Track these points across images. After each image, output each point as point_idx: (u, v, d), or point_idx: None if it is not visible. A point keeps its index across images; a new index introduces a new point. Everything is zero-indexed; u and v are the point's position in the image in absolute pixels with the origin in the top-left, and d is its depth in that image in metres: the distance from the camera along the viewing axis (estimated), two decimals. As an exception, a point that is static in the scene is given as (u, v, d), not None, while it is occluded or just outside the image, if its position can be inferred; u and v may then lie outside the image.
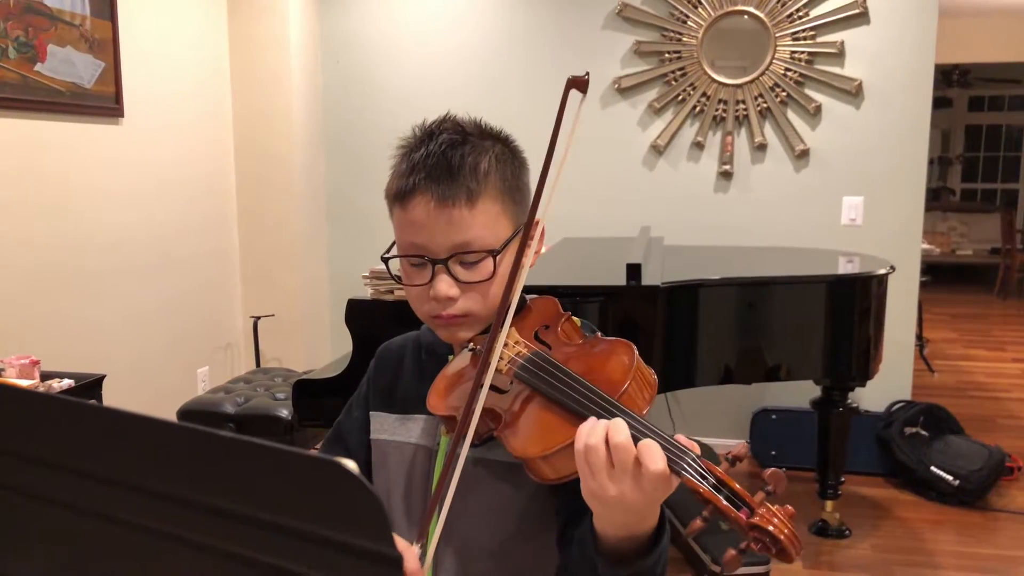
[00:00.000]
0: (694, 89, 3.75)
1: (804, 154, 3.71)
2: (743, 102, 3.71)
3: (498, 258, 0.97)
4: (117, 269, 3.32)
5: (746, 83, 3.69)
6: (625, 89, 3.82)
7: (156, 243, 3.54)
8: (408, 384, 1.10)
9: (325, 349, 4.27)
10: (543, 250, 1.05)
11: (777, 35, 3.64)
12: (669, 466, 0.75)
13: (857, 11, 3.56)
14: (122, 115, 3.30)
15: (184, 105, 3.69)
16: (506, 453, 0.88)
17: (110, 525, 0.53)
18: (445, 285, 0.96)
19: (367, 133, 4.14)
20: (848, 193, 3.70)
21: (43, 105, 2.94)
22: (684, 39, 3.73)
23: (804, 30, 3.62)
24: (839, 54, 3.60)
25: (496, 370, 0.91)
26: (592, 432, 0.78)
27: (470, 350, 1.00)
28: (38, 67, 2.90)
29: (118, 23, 3.25)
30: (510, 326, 0.94)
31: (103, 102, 3.20)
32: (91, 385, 2.63)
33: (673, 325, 2.43)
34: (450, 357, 1.05)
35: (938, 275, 8.10)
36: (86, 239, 3.17)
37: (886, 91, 3.61)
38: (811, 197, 3.73)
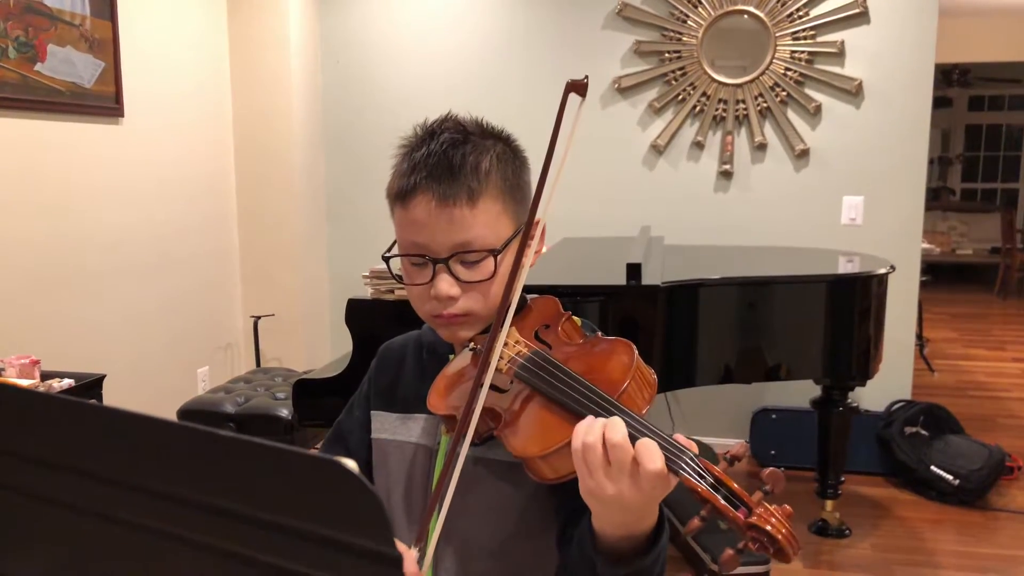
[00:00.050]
0: (694, 89, 3.75)
1: (804, 154, 3.71)
2: (743, 102, 3.71)
3: (499, 257, 0.97)
4: (117, 269, 3.32)
5: (746, 83, 3.69)
6: (625, 89, 3.82)
7: (156, 243, 3.54)
8: (409, 383, 1.10)
9: (325, 349, 4.27)
10: (544, 249, 1.05)
11: (777, 35, 3.64)
12: (667, 465, 0.75)
13: (857, 11, 3.56)
14: (122, 115, 3.30)
15: (184, 105, 3.69)
16: (506, 452, 0.88)
17: (110, 525, 0.53)
18: (446, 284, 0.96)
19: (367, 133, 4.14)
20: (848, 193, 3.70)
21: (43, 105, 2.94)
22: (684, 39, 3.73)
23: (804, 30, 3.62)
24: (839, 54, 3.60)
25: (496, 369, 0.91)
26: (589, 431, 0.78)
27: (471, 349, 1.00)
28: (38, 67, 2.90)
29: (118, 23, 3.25)
30: (510, 325, 0.94)
31: (103, 102, 3.20)
32: (91, 385, 2.63)
33: (673, 325, 2.43)
34: (451, 356, 1.05)
35: (938, 275, 8.11)
36: (86, 239, 3.17)
37: (886, 91, 3.61)
38: (811, 197, 3.73)
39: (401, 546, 0.80)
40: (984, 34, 6.61)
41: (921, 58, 3.57)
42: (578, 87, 0.93)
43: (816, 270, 2.90)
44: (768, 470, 0.74)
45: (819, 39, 3.62)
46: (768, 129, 3.73)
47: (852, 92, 3.62)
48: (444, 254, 0.96)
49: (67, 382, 2.53)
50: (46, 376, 2.55)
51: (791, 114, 3.69)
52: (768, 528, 0.71)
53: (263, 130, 4.00)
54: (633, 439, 0.77)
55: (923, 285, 3.93)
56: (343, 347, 3.07)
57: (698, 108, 3.76)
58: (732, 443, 0.80)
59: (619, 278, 2.36)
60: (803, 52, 3.63)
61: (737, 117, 3.73)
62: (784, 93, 3.67)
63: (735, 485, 0.75)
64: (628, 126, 3.86)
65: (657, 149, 3.84)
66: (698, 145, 3.80)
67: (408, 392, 1.09)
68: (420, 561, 0.87)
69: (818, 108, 3.66)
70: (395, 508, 1.06)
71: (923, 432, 3.52)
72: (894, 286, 2.98)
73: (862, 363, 2.81)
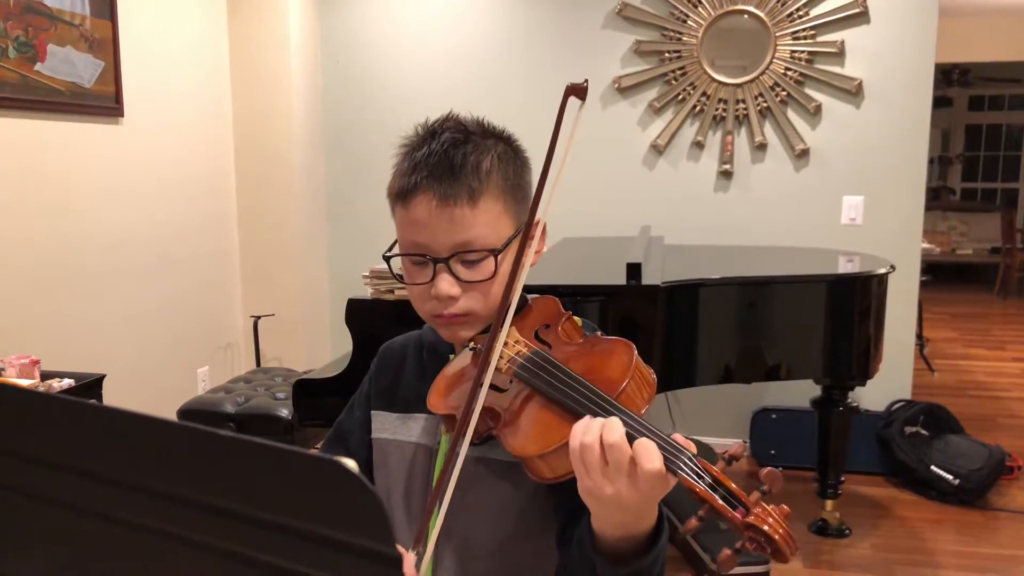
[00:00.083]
0: (694, 88, 3.75)
1: (804, 153, 3.71)
2: (743, 101, 3.71)
3: (499, 257, 0.97)
4: (117, 269, 3.32)
5: (746, 82, 3.69)
6: (625, 88, 3.82)
7: (156, 243, 3.54)
8: (409, 383, 1.10)
9: (325, 349, 4.27)
10: (544, 249, 1.05)
11: (777, 34, 3.64)
12: (665, 465, 0.75)
13: (857, 10, 3.56)
14: (122, 115, 3.30)
15: (184, 105, 3.69)
16: (506, 452, 0.88)
17: (110, 525, 0.53)
18: (446, 284, 0.96)
19: (367, 133, 4.14)
20: (848, 192, 3.70)
21: (43, 105, 2.94)
22: (684, 38, 3.73)
23: (804, 29, 3.62)
24: (839, 53, 3.60)
25: (496, 369, 0.91)
26: (587, 431, 0.78)
27: (471, 349, 1.00)
28: (38, 67, 2.90)
29: (118, 23, 3.25)
30: (510, 325, 0.94)
31: (103, 102, 3.20)
32: (91, 385, 2.63)
33: (673, 324, 2.43)
34: (451, 356, 1.05)
35: (938, 274, 8.10)
36: (86, 239, 3.17)
37: (886, 90, 3.61)
38: (811, 197, 3.73)
39: (399, 549, 0.80)
40: (984, 34, 6.60)
41: (921, 58, 3.57)
42: (578, 91, 0.92)
43: (816, 270, 2.90)
44: (766, 470, 0.74)
45: (819, 39, 3.61)
46: (768, 129, 3.73)
47: (852, 92, 3.62)
48: (445, 254, 0.96)
49: (67, 382, 2.53)
50: (46, 376, 2.55)
51: (791, 114, 3.70)
52: (765, 528, 0.72)
53: (263, 130, 4.00)
54: (631, 439, 0.77)
55: (923, 285, 3.93)
56: (343, 347, 3.07)
57: (698, 108, 3.76)
58: (732, 443, 0.80)
59: (619, 278, 2.36)
60: (803, 52, 3.63)
61: (737, 117, 3.73)
62: (784, 93, 3.67)
63: (733, 485, 0.75)
64: (628, 126, 3.86)
65: (657, 149, 3.84)
66: (698, 145, 3.80)
67: (408, 392, 1.09)
68: (418, 565, 0.87)
69: (818, 108, 3.66)
70: (395, 508, 1.06)
71: (923, 432, 3.52)
72: (894, 286, 2.98)
73: (862, 363, 2.81)
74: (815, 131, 3.69)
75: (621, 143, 3.86)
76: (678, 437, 0.78)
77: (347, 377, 2.32)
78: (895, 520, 3.25)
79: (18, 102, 2.83)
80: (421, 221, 0.96)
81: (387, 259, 1.02)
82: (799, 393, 3.46)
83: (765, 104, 3.69)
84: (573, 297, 2.27)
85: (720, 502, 0.74)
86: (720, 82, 3.71)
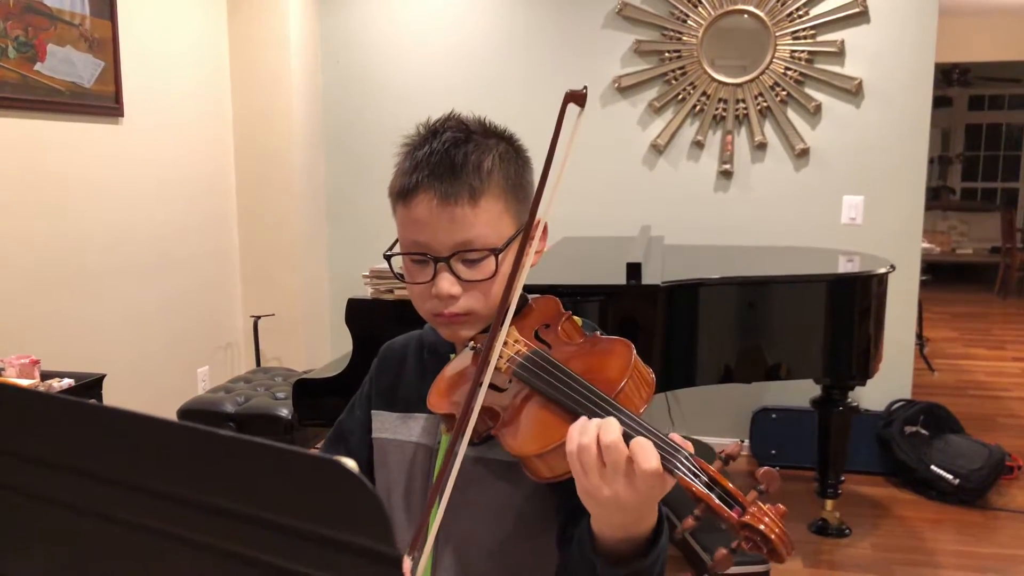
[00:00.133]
0: (694, 88, 3.75)
1: (804, 153, 3.71)
2: (743, 101, 3.71)
3: (500, 257, 0.97)
4: (117, 269, 3.32)
5: (746, 82, 3.69)
6: (625, 88, 3.82)
7: (156, 243, 3.54)
8: (410, 383, 1.10)
9: (325, 349, 4.27)
10: (544, 249, 1.05)
11: (777, 34, 3.64)
12: (662, 464, 0.75)
13: (857, 10, 3.56)
14: (122, 115, 3.30)
15: (184, 105, 3.69)
16: (505, 452, 0.88)
17: (110, 525, 0.53)
18: (447, 283, 0.96)
19: (367, 133, 4.14)
20: (848, 192, 3.70)
21: (43, 105, 2.94)
22: (684, 38, 3.73)
23: (804, 29, 3.62)
24: (839, 53, 3.60)
25: (495, 368, 0.91)
26: (584, 432, 0.78)
27: (471, 348, 1.00)
28: (38, 67, 2.90)
29: (118, 23, 3.24)
30: (510, 325, 0.94)
31: (103, 102, 3.20)
32: (91, 385, 2.63)
33: (673, 324, 2.43)
34: (452, 356, 1.05)
35: (938, 274, 8.10)
36: (86, 239, 3.17)
37: (886, 90, 3.61)
38: (811, 196, 3.73)
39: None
40: (984, 34, 6.60)
41: (921, 58, 3.57)
42: (577, 97, 0.92)
43: (816, 270, 2.90)
44: (763, 469, 0.74)
45: (819, 38, 3.61)
46: (768, 128, 3.73)
47: (852, 92, 3.62)
48: (445, 253, 0.96)
49: (67, 382, 2.53)
50: (46, 376, 2.55)
51: (791, 113, 3.69)
52: (761, 528, 0.72)
53: (263, 130, 4.00)
54: (628, 438, 0.77)
55: (923, 285, 3.93)
56: (343, 347, 3.07)
57: (698, 107, 3.76)
58: (732, 443, 0.80)
59: (619, 278, 2.36)
60: (803, 52, 3.63)
61: (737, 116, 3.73)
62: (784, 92, 3.67)
63: (729, 484, 0.75)
64: (628, 125, 3.86)
65: (657, 148, 3.84)
66: (698, 145, 3.80)
67: (409, 392, 1.09)
68: (414, 570, 0.86)
69: (818, 107, 3.66)
70: (395, 508, 1.06)
71: (923, 432, 3.52)
72: (894, 286, 2.98)
73: (862, 362, 2.81)
74: (815, 131, 3.69)
75: (621, 143, 3.86)
76: (675, 436, 0.78)
77: (347, 377, 2.32)
78: (895, 520, 3.25)
79: (18, 102, 2.83)
80: (422, 220, 0.96)
81: (388, 258, 1.02)
82: (799, 393, 3.46)
83: (765, 104, 3.69)
84: (573, 297, 2.27)
85: (716, 501, 0.74)
86: (720, 82, 3.71)
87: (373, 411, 1.13)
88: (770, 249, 3.53)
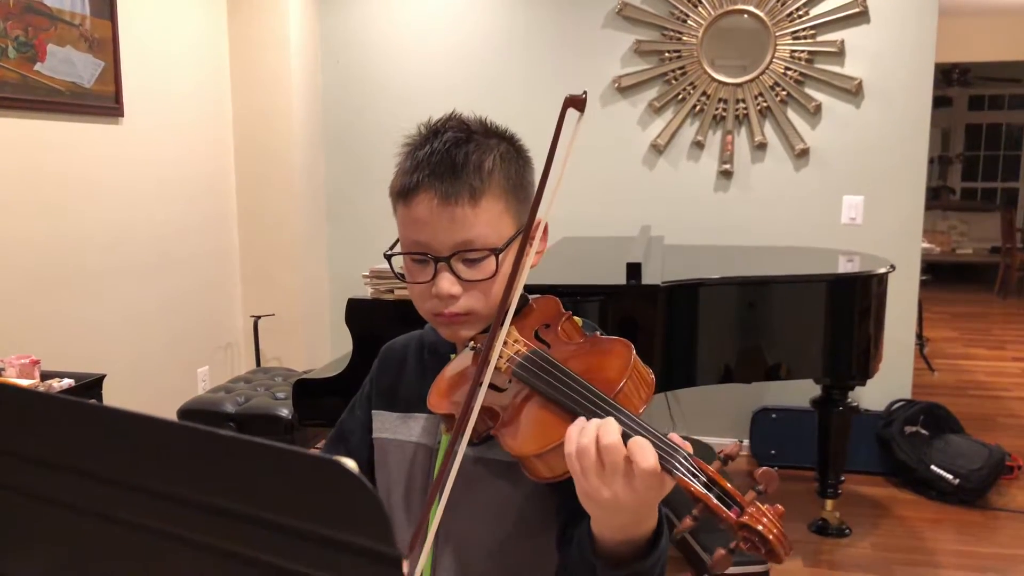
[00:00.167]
0: (694, 88, 3.75)
1: (804, 153, 3.71)
2: (743, 101, 3.71)
3: (500, 256, 0.97)
4: (117, 269, 3.32)
5: (746, 82, 3.69)
6: (625, 88, 3.82)
7: (156, 243, 3.54)
8: (410, 383, 1.10)
9: (325, 349, 4.27)
10: (545, 249, 1.05)
11: (777, 34, 3.64)
12: (660, 463, 0.75)
13: (857, 10, 3.56)
14: (122, 115, 3.30)
15: (184, 105, 3.69)
16: (505, 452, 0.88)
17: (110, 525, 0.53)
18: (447, 283, 0.96)
19: (367, 133, 4.14)
20: (848, 192, 3.70)
21: (43, 105, 2.94)
22: (684, 38, 3.73)
23: (804, 29, 3.62)
24: (839, 53, 3.60)
25: (495, 368, 0.91)
26: (583, 433, 0.78)
27: (472, 348, 1.00)
28: (38, 67, 2.90)
29: (118, 23, 3.25)
30: (510, 325, 0.94)
31: (103, 102, 3.20)
32: (91, 385, 2.63)
33: (673, 324, 2.43)
34: (452, 356, 1.05)
35: (938, 274, 8.11)
36: (86, 239, 3.17)
37: (886, 90, 3.61)
38: (811, 196, 3.73)
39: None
40: (984, 34, 6.60)
41: (921, 58, 3.57)
42: (576, 102, 0.92)
43: (816, 269, 2.90)
44: (761, 470, 0.74)
45: (819, 38, 3.61)
46: (768, 129, 3.73)
47: (852, 92, 3.62)
48: (446, 252, 0.96)
49: (67, 382, 2.53)
50: (46, 376, 2.55)
51: (791, 113, 3.70)
52: (760, 528, 0.72)
53: (263, 130, 4.00)
54: (626, 437, 0.77)
55: (923, 284, 3.93)
56: (343, 347, 3.07)
57: (698, 107, 3.76)
58: (732, 443, 0.80)
59: (619, 278, 2.36)
60: (803, 52, 3.63)
61: (737, 116, 3.73)
62: (784, 92, 3.67)
63: (728, 484, 0.75)
64: (628, 125, 3.86)
65: (657, 148, 3.84)
66: (698, 145, 3.80)
67: (409, 392, 1.09)
68: (412, 570, 0.86)
69: (818, 108, 3.66)
70: (395, 507, 1.06)
71: (923, 431, 3.52)
72: (894, 286, 2.98)
73: (862, 362, 2.81)
74: (815, 131, 3.69)
75: (621, 143, 3.86)
76: (674, 436, 0.78)
77: (347, 377, 2.32)
78: (895, 520, 3.25)
79: (18, 102, 2.83)
80: (422, 220, 0.96)
81: (388, 257, 1.02)
82: (799, 393, 3.46)
83: (765, 104, 3.69)
84: (573, 297, 2.27)
85: (715, 501, 0.74)
86: (720, 82, 3.71)
87: (373, 411, 1.13)
88: (770, 249, 3.53)
